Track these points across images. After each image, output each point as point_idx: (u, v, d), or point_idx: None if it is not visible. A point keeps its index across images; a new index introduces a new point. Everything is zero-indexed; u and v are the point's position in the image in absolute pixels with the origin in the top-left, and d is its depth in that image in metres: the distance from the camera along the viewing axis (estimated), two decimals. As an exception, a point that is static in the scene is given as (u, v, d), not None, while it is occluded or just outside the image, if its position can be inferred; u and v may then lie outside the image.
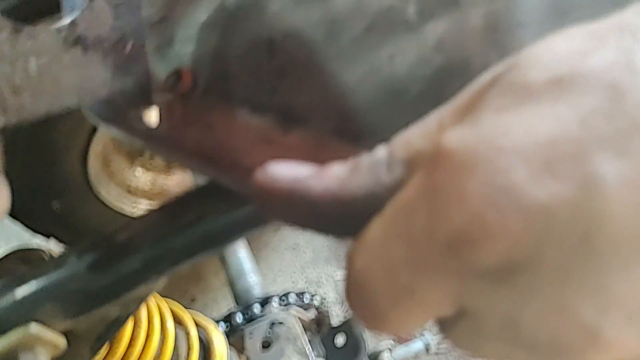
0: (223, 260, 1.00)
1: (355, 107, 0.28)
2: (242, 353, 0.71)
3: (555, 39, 0.18)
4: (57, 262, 0.29)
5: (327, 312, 0.86)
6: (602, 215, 0.15)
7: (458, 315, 0.19)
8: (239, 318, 0.78)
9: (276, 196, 0.22)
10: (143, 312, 0.52)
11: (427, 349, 0.76)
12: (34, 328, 0.28)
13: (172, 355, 0.56)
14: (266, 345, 0.69)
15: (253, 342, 0.69)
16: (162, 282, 0.32)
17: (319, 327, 0.87)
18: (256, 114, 0.30)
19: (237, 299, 0.89)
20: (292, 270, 1.46)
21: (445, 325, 0.20)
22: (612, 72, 0.16)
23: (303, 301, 0.80)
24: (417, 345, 0.77)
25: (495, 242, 0.16)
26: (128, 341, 0.50)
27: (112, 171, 1.20)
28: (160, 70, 0.32)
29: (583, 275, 0.15)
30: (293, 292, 0.83)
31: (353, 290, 0.21)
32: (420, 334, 0.80)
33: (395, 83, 0.27)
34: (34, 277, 0.29)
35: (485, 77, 0.19)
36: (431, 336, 0.78)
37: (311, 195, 0.21)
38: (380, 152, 0.21)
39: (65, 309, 0.29)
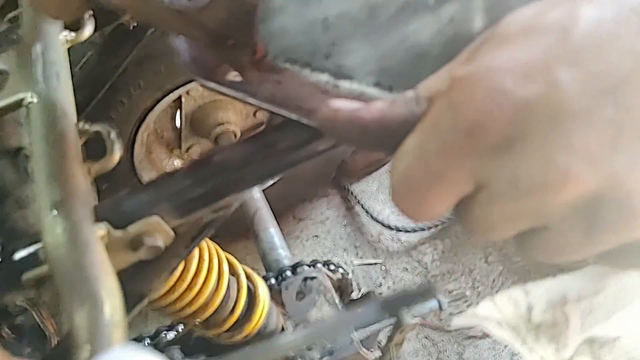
0: (255, 236, 1.11)
1: (390, 67, 0.39)
2: (278, 306, 0.81)
3: (524, 8, 0.29)
4: (169, 175, 0.40)
5: (350, 279, 0.96)
6: (562, 101, 0.25)
7: (475, 190, 0.28)
8: (272, 280, 0.88)
9: (337, 122, 0.33)
10: (205, 252, 0.63)
11: (440, 307, 0.86)
12: (155, 219, 0.39)
13: (225, 292, 0.67)
14: (300, 297, 0.79)
15: (288, 293, 0.79)
16: (243, 195, 0.42)
17: (342, 294, 0.98)
18: (314, 73, 0.41)
19: (268, 269, 1.00)
20: (313, 259, 1.56)
21: (463, 207, 0.29)
22: (561, 21, 0.26)
23: (329, 268, 0.91)
24: (431, 303, 0.87)
25: (497, 125, 0.26)
26: (194, 272, 0.61)
27: (154, 160, 1.33)
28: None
29: (555, 137, 0.25)
30: (319, 261, 0.93)
31: (398, 186, 0.30)
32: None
33: (419, 48, 0.38)
34: (154, 185, 0.41)
35: (478, 39, 0.30)
36: (444, 297, 0.88)
37: (363, 121, 0.32)
38: (410, 93, 0.32)
39: (175, 209, 0.40)
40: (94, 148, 0.45)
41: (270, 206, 1.14)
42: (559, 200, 0.27)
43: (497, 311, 0.44)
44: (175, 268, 0.50)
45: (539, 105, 0.25)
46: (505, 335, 0.45)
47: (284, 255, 1.03)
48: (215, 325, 0.70)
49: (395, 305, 0.86)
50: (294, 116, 0.40)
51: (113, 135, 0.42)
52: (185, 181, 0.40)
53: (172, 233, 0.40)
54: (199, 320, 0.66)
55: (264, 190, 1.20)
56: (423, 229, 1.47)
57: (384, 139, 0.32)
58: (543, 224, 0.29)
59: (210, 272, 0.63)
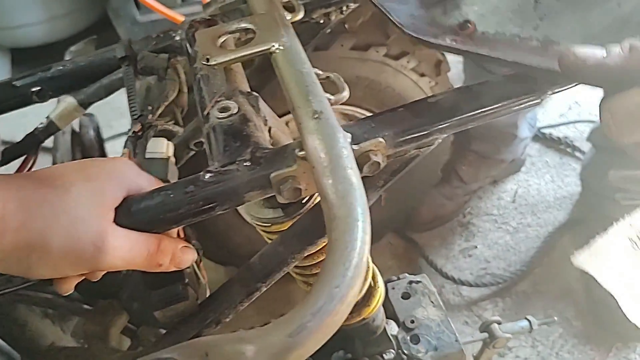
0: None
1: (594, 33, 0.49)
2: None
3: None
4: (392, 109, 0.50)
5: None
6: None
7: None
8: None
9: (584, 66, 0.42)
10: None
11: (531, 327, 0.90)
12: (380, 140, 0.47)
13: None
14: (406, 297, 0.85)
15: (395, 293, 0.85)
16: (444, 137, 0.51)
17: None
18: (523, 41, 0.51)
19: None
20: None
21: None
22: None
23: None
24: (522, 323, 0.91)
25: None
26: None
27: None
28: (455, 20, 0.54)
29: None
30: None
31: (627, 116, 0.40)
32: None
33: (623, 17, 0.48)
34: (381, 115, 0.50)
35: None
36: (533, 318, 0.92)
37: (607, 66, 0.41)
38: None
39: (394, 137, 0.48)
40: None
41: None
42: None
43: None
44: (370, 203, 0.58)
45: None
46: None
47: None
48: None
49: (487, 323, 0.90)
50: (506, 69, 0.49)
51: (341, 79, 0.52)
52: (405, 114, 0.49)
53: (384, 163, 0.48)
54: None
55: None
56: (485, 285, 1.51)
57: (617, 80, 0.41)
58: None
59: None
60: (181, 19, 1.68)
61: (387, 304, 0.86)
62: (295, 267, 0.69)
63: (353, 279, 0.38)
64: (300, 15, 0.63)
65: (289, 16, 0.62)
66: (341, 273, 0.38)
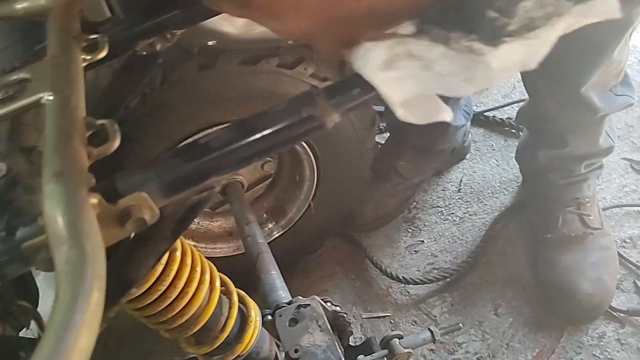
0: (257, 279, 1.13)
1: None
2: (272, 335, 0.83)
3: None
4: (159, 156, 0.45)
5: (347, 319, 0.97)
6: None
7: None
8: (269, 317, 0.89)
9: None
10: (198, 264, 0.67)
11: (433, 338, 0.86)
12: (142, 194, 0.43)
13: (216, 307, 0.70)
14: (293, 323, 0.81)
15: (282, 320, 0.81)
16: (224, 178, 0.47)
17: (339, 334, 0.98)
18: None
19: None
20: (322, 315, 1.56)
21: None
22: None
23: (325, 302, 0.92)
24: (424, 334, 0.87)
25: None
26: (186, 281, 0.64)
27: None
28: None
29: None
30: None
31: None
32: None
33: None
34: (145, 165, 0.46)
35: None
36: (436, 329, 0.88)
37: None
38: None
39: (162, 188, 0.45)
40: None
41: (275, 259, 1.14)
42: None
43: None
44: (162, 254, 0.54)
45: None
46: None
47: (284, 296, 1.04)
48: (207, 343, 0.72)
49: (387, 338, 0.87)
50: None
51: (115, 127, 0.48)
52: (173, 161, 0.45)
53: (157, 210, 0.44)
54: (190, 333, 0.69)
55: (268, 243, 1.22)
56: (432, 281, 1.47)
57: None
58: None
59: (203, 284, 0.66)
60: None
61: (276, 332, 0.83)
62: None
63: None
64: (102, 54, 0.59)
65: (89, 56, 0.58)
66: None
